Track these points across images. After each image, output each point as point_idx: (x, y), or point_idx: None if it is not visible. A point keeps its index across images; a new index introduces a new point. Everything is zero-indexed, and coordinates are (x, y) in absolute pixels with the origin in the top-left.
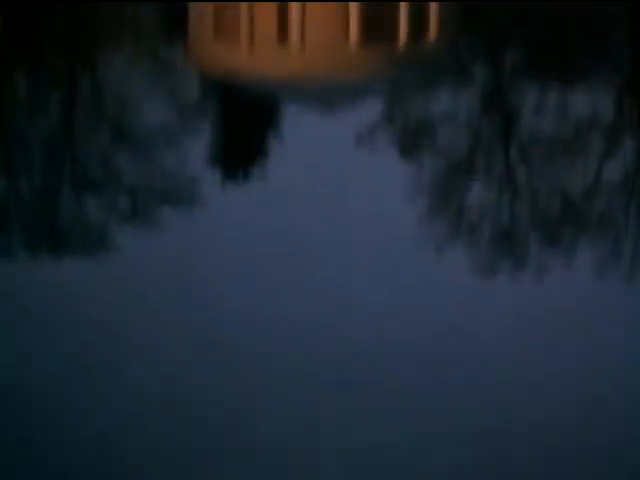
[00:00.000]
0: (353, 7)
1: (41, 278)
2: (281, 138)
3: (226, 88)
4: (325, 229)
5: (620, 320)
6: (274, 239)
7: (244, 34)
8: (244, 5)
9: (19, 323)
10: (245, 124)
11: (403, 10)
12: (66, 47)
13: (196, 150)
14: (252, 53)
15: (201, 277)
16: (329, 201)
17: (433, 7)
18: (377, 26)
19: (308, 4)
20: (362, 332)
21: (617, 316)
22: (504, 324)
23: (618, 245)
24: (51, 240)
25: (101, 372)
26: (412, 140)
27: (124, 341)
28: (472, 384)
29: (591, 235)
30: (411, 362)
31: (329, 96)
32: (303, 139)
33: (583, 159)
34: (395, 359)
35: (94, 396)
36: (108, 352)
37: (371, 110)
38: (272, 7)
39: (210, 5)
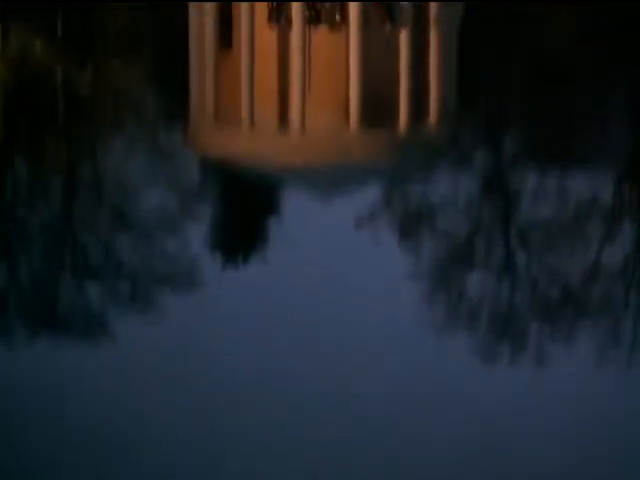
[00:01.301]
0: (354, 90)
1: (39, 365)
2: (281, 223)
3: (226, 173)
4: (324, 315)
5: (619, 409)
6: (274, 325)
7: (244, 118)
8: (245, 88)
9: (16, 411)
10: (245, 209)
11: (404, 91)
12: (64, 132)
13: (196, 236)
14: (252, 137)
15: (200, 364)
16: (329, 287)
17: (434, 89)
18: (378, 109)
19: (308, 88)
20: (360, 419)
21: (616, 405)
22: (502, 411)
23: (617, 333)
24: (50, 327)
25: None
26: (412, 225)
27: (122, 430)
28: (468, 474)
29: (590, 322)
30: (408, 449)
31: (329, 181)
32: (303, 224)
33: (583, 245)
34: (393, 447)
35: None
36: (105, 441)
37: (371, 195)
38: (273, 91)
39: (211, 88)
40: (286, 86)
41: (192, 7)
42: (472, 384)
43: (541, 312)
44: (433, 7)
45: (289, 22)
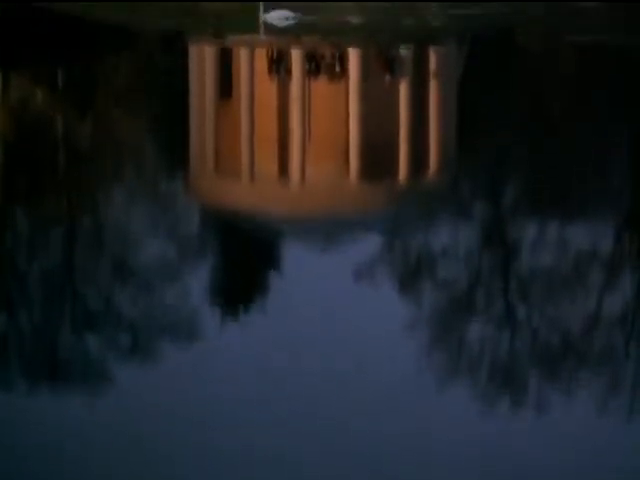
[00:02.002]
0: (353, 141)
1: (40, 416)
2: (281, 273)
3: (226, 223)
4: (325, 366)
5: (617, 460)
6: (273, 376)
7: (244, 168)
8: (245, 138)
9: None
10: (244, 259)
11: (403, 142)
12: (64, 183)
13: (196, 285)
14: (252, 187)
15: (200, 416)
16: (329, 337)
17: (433, 140)
18: (377, 160)
19: (308, 138)
20: (360, 472)
21: (615, 456)
22: (503, 460)
23: (617, 383)
24: (52, 376)
25: None
26: (412, 276)
27: None
28: None
29: (589, 373)
30: None
31: (329, 231)
32: (303, 274)
33: (582, 295)
34: None
35: None
36: None
37: (371, 245)
38: (273, 141)
39: (211, 138)
40: (286, 136)
41: (192, 58)
42: (472, 434)
43: (540, 362)
44: (433, 58)
45: (289, 73)
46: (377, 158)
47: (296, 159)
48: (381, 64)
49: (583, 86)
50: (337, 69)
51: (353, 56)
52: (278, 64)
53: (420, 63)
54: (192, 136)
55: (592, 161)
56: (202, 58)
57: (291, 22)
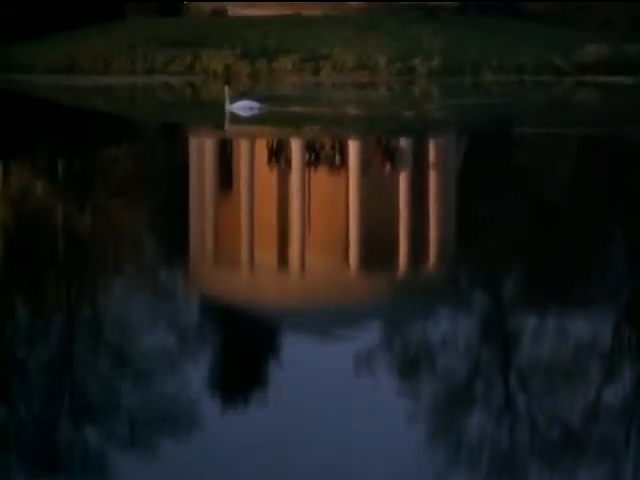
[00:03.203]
0: (353, 231)
1: None
2: (280, 365)
3: (225, 314)
4: (324, 457)
5: None
6: (271, 469)
7: (244, 258)
8: (244, 228)
9: None
10: (244, 350)
11: (403, 232)
12: (64, 273)
13: (195, 376)
14: (251, 277)
15: None
16: (327, 430)
17: (433, 234)
18: (377, 250)
19: (308, 228)
20: None
21: None
22: None
23: (618, 474)
24: (47, 471)
25: None
26: (411, 367)
27: None
28: None
29: (590, 464)
30: None
31: (328, 322)
32: (302, 365)
33: (582, 387)
34: None
35: None
36: None
37: (370, 336)
38: (273, 231)
39: (211, 228)
40: (285, 226)
41: (192, 148)
42: None
43: (540, 455)
44: (433, 149)
45: (288, 163)
46: (377, 249)
47: (296, 249)
48: (381, 155)
49: (583, 180)
50: (337, 160)
51: (353, 147)
52: (278, 155)
53: (419, 154)
54: (192, 226)
55: (593, 254)
56: (201, 149)
57: (255, 112)
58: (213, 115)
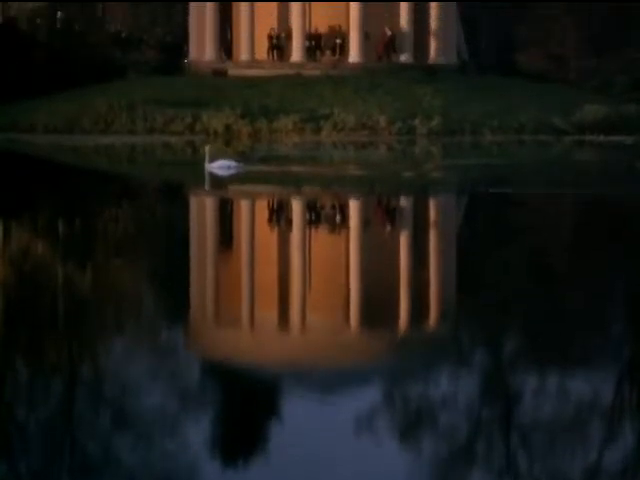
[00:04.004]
0: (354, 290)
1: None
2: (281, 424)
3: (226, 373)
4: None
5: None
6: None
7: (244, 318)
8: (245, 287)
9: None
10: (244, 410)
11: (404, 291)
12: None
13: (196, 437)
14: (252, 337)
15: None
16: None
17: (434, 293)
18: (378, 309)
19: (308, 287)
20: None
21: None
22: None
23: None
24: None
25: None
26: (412, 428)
27: None
28: None
29: None
30: None
31: (329, 382)
32: (303, 425)
33: (583, 446)
34: None
35: None
36: None
37: (371, 396)
38: (273, 291)
39: (211, 288)
40: (286, 286)
41: (193, 209)
42: None
43: None
44: (433, 209)
45: (289, 223)
46: (377, 308)
47: (296, 308)
48: (381, 214)
49: (583, 242)
50: (338, 219)
51: (353, 207)
52: (278, 214)
53: (419, 214)
54: (192, 285)
55: (592, 314)
56: (202, 208)
57: (233, 171)
58: (195, 175)
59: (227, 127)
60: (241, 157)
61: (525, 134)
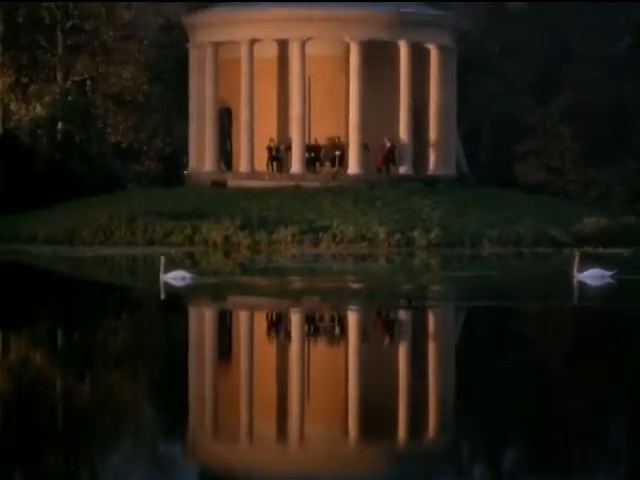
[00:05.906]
0: (353, 404)
1: None
2: None
3: None
4: None
5: None
6: None
7: (243, 429)
8: (244, 398)
9: None
10: None
11: (403, 401)
12: (63, 444)
13: None
14: (251, 448)
15: None
16: None
17: (433, 405)
18: (377, 422)
19: (307, 397)
20: None
21: None
22: None
23: None
24: None
25: None
26: None
27: None
28: None
29: None
30: None
31: None
32: None
33: None
34: None
35: None
36: None
37: None
38: (272, 402)
39: (210, 399)
40: (285, 398)
41: (192, 311)
42: None
43: None
44: (432, 320)
45: (288, 335)
46: (377, 419)
47: (295, 418)
48: (379, 326)
49: (585, 352)
50: (336, 331)
51: (352, 318)
52: (277, 326)
53: (418, 326)
54: (191, 399)
55: (593, 425)
56: (201, 320)
57: (188, 282)
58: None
59: (226, 238)
60: (196, 270)
61: (524, 246)
